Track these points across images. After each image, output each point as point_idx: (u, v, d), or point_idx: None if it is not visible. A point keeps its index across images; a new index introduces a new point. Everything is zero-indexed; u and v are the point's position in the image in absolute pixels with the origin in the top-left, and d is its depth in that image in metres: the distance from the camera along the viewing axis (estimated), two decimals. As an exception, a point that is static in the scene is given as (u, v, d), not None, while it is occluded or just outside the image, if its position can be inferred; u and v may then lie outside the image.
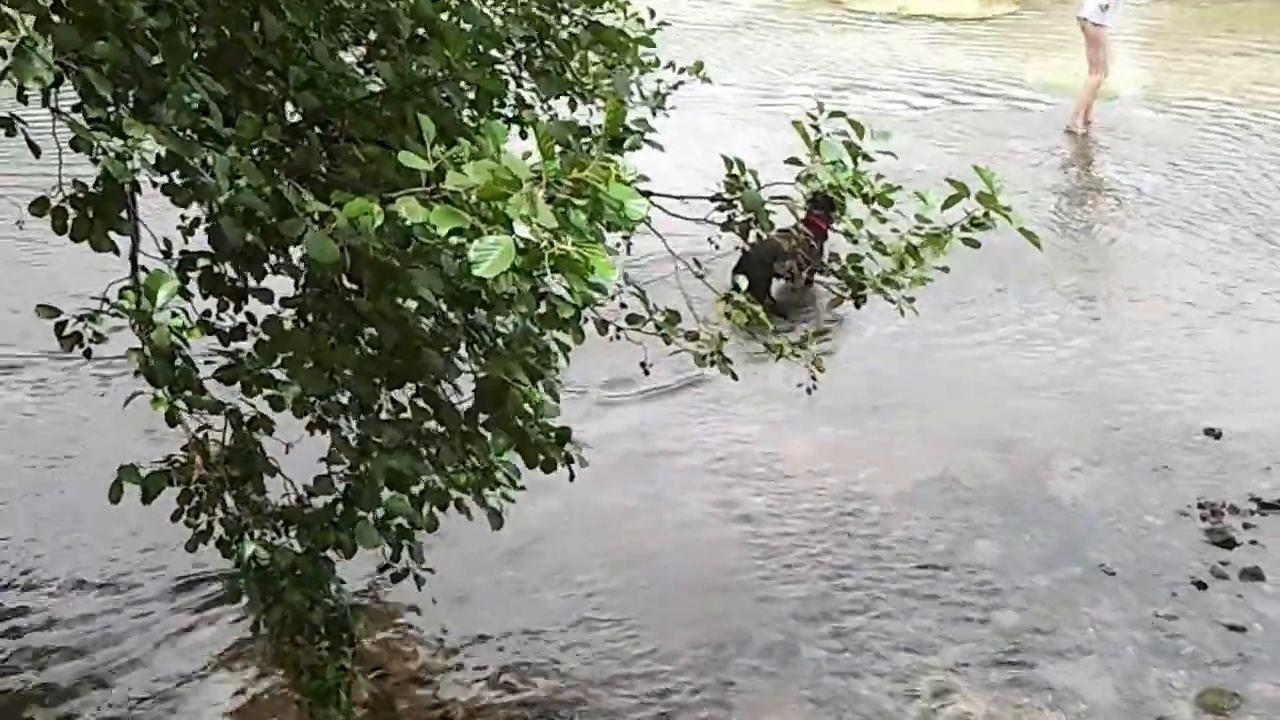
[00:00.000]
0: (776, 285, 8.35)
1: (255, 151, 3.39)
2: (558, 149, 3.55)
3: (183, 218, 3.94)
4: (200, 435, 3.68)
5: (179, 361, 3.21)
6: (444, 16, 3.96)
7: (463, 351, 3.94)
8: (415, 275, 2.83)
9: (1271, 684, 5.30)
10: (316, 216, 2.45)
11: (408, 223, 2.35)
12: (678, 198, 4.10)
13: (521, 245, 2.24)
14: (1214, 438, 7.05)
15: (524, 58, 4.41)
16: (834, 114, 3.90)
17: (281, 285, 3.87)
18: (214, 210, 3.05)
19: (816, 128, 3.90)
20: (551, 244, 2.23)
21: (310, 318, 3.57)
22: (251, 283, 3.74)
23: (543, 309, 3.69)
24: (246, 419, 3.70)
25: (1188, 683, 5.31)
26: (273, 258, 3.65)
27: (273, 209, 2.75)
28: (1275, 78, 13.60)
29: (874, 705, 5.20)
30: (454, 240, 2.28)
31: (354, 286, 3.36)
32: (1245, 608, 5.76)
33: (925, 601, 5.79)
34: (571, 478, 4.25)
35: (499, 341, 3.97)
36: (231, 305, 3.92)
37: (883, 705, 5.20)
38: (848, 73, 14.03)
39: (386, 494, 3.84)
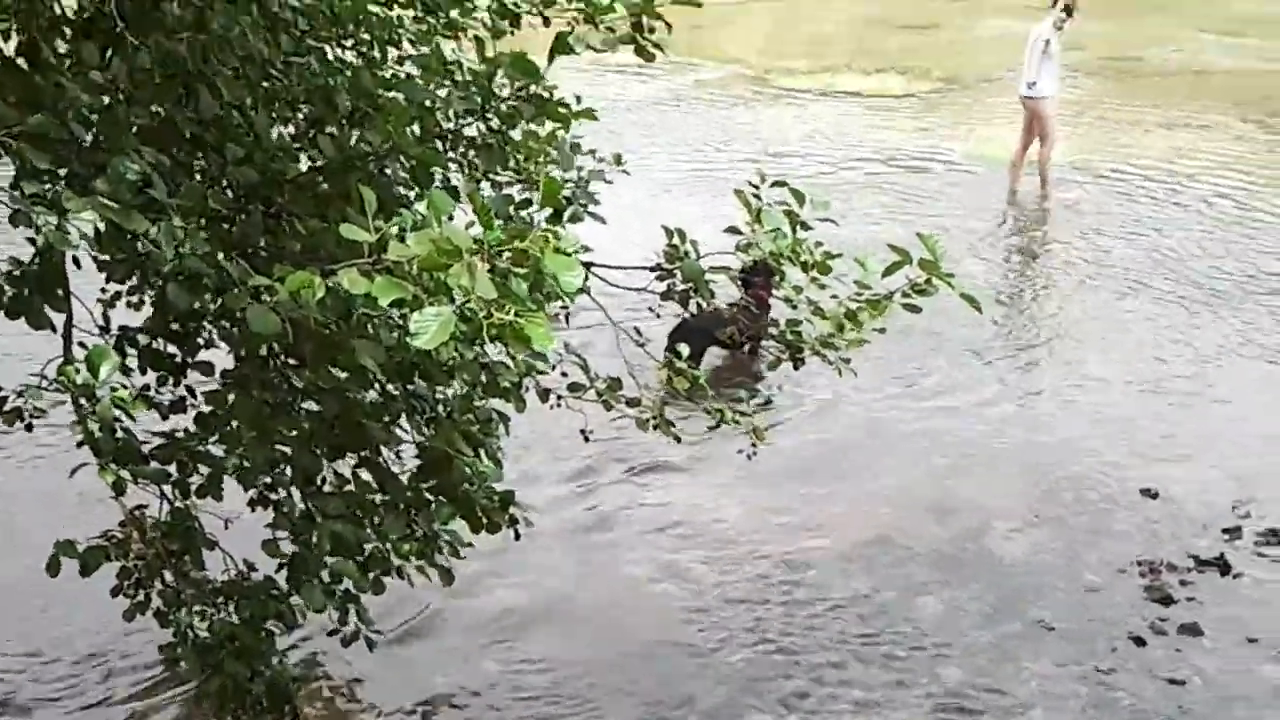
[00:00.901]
0: (720, 353, 8.47)
1: (199, 223, 3.42)
2: (499, 221, 3.62)
3: (103, 290, 3.96)
4: (137, 511, 3.68)
5: (120, 434, 3.20)
6: (384, 91, 4.03)
7: (405, 421, 3.97)
8: (357, 346, 2.85)
9: (1211, 737, 5.38)
10: (258, 289, 2.48)
11: (350, 294, 2.39)
12: (618, 268, 4.16)
13: (462, 316, 2.28)
14: (1151, 497, 7.18)
15: (464, 131, 4.47)
16: (776, 183, 3.99)
17: (222, 358, 3.89)
18: (158, 279, 3.06)
19: (758, 196, 3.98)
20: (491, 314, 2.27)
21: (252, 390, 3.58)
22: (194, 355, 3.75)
23: (485, 378, 3.73)
24: (185, 491, 3.70)
25: (1129, 737, 5.37)
26: (211, 331, 3.66)
27: (217, 280, 2.77)
28: (1199, 148, 14.03)
29: (821, 767, 5.21)
30: (396, 311, 2.32)
31: (294, 360, 3.38)
32: (1184, 662, 5.84)
33: (869, 661, 5.82)
34: (517, 537, 4.29)
35: (441, 410, 4.00)
36: (171, 380, 3.92)
37: (829, 767, 5.21)
38: (780, 145, 14.29)
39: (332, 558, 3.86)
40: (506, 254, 2.38)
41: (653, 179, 12.56)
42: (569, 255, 2.34)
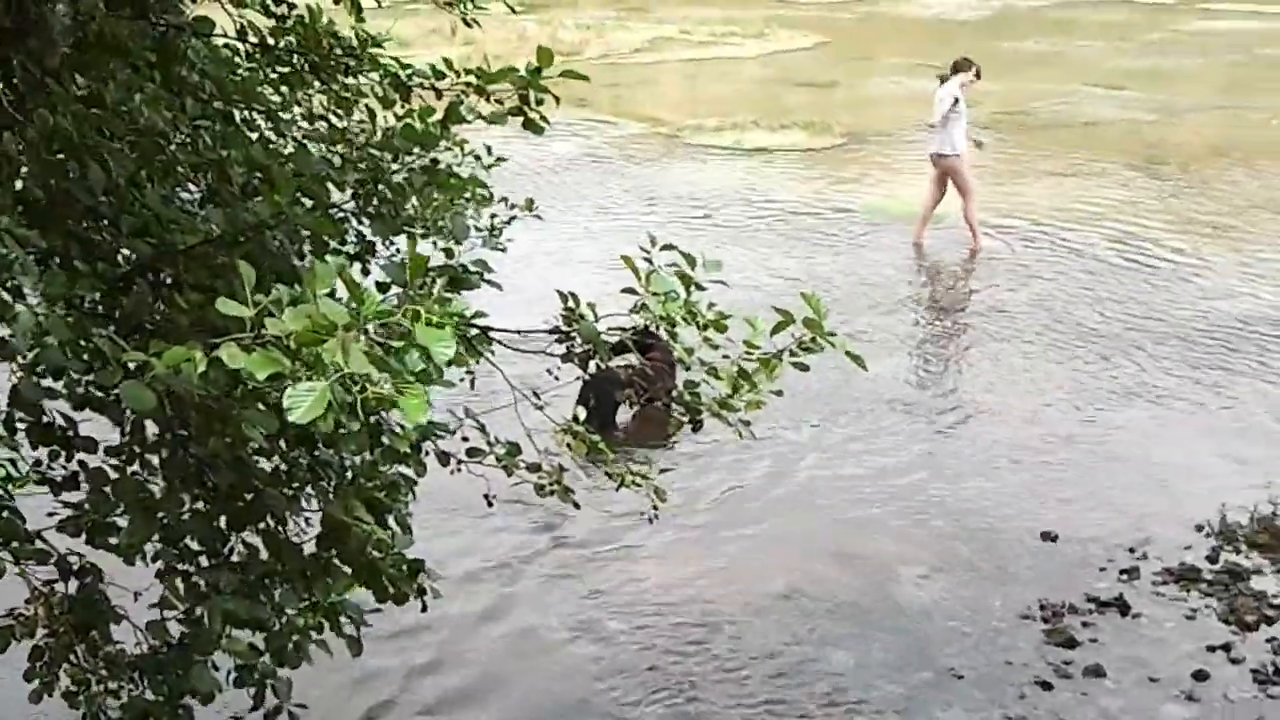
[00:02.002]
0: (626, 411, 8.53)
1: (86, 302, 3.39)
2: (396, 289, 3.64)
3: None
4: (45, 587, 3.60)
5: (4, 513, 3.15)
6: (278, 163, 4.04)
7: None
8: (245, 418, 2.84)
9: (1116, 778, 5.48)
10: (134, 365, 2.48)
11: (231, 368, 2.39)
12: (515, 332, 4.19)
13: (344, 387, 2.31)
14: (1050, 541, 7.33)
15: (361, 200, 4.50)
16: (665, 247, 4.05)
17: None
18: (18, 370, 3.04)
19: (649, 260, 4.04)
20: (364, 388, 2.29)
21: (140, 464, 3.54)
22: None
23: (381, 444, 3.72)
24: (78, 567, 3.63)
25: (1037, 782, 5.45)
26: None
27: (91, 360, 2.75)
28: (1089, 196, 14.46)
29: (736, 826, 5.21)
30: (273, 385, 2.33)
31: (185, 432, 3.35)
32: (1090, 704, 5.95)
33: (780, 714, 5.85)
34: (424, 609, 4.26)
35: (348, 476, 3.97)
36: (63, 454, 3.86)
37: (745, 826, 5.22)
38: (692, 201, 14.50)
39: (232, 635, 3.80)
40: (380, 328, 2.41)
41: (567, 238, 12.67)
42: (441, 328, 2.37)
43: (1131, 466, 8.29)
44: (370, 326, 2.28)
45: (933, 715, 5.87)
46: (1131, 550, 7.23)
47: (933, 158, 12.83)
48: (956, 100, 12.43)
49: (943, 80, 12.59)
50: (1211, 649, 6.34)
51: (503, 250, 4.77)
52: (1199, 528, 7.43)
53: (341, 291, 2.56)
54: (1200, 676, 6.13)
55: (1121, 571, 7.02)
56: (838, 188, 15.14)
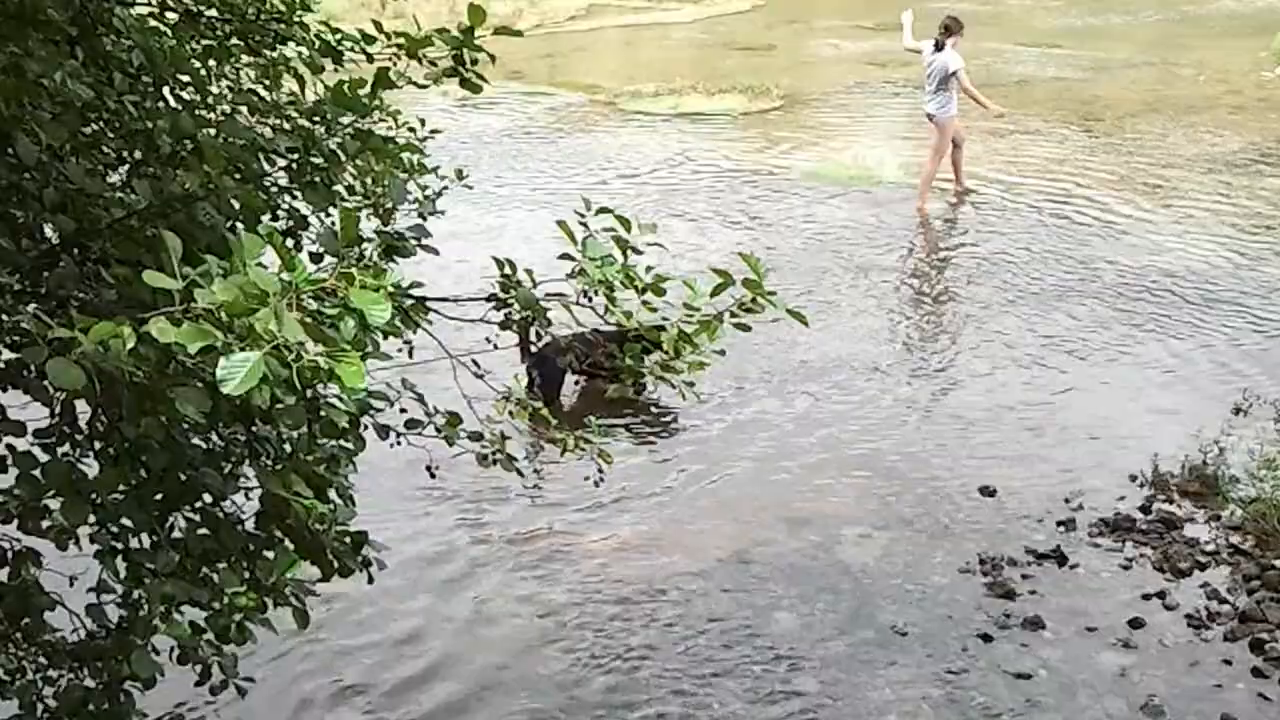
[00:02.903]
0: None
1: (9, 279, 3.31)
2: (330, 258, 3.58)
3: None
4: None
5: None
6: (208, 132, 3.95)
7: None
8: (177, 395, 2.79)
9: (1058, 726, 5.58)
10: (61, 342, 2.42)
11: (162, 342, 2.35)
12: (452, 300, 4.16)
13: (278, 359, 2.27)
14: (989, 496, 7.43)
15: (294, 169, 4.42)
16: (600, 211, 4.03)
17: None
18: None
19: (585, 225, 4.01)
20: (300, 357, 2.25)
21: (71, 445, 3.47)
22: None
23: (319, 418, 3.67)
24: (12, 553, 3.56)
25: (981, 733, 5.54)
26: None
27: (16, 338, 2.68)
28: (1022, 155, 14.56)
29: (685, 786, 5.26)
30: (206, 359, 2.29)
31: (116, 411, 3.29)
32: (1030, 655, 6.05)
33: (729, 676, 5.89)
34: (370, 581, 4.22)
35: (286, 451, 3.93)
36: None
37: (694, 785, 5.26)
38: (630, 168, 14.44)
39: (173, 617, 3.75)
40: (313, 296, 2.37)
41: (503, 208, 12.59)
42: (376, 292, 2.33)
43: (1067, 420, 8.41)
44: (304, 295, 2.25)
45: (876, 672, 5.94)
46: (1068, 502, 7.35)
47: (929, 118, 12.96)
48: (957, 71, 12.51)
49: (938, 45, 12.59)
50: (1147, 597, 6.47)
51: (439, 215, 4.70)
52: (1133, 478, 7.56)
53: (274, 264, 2.53)
54: (1136, 624, 6.25)
55: (1058, 523, 7.14)
56: (776, 151, 15.14)
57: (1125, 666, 5.97)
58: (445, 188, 4.78)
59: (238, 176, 3.91)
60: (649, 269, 4.01)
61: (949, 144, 12.89)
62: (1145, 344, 9.63)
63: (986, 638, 6.17)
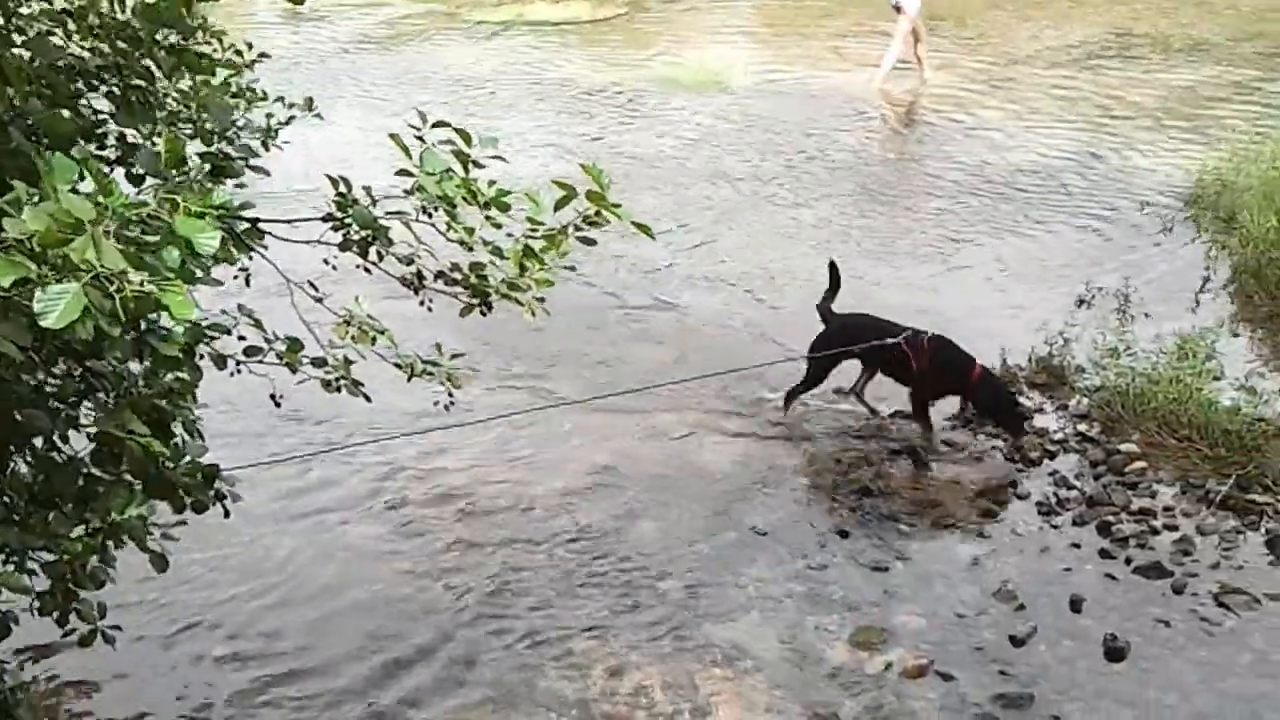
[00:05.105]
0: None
1: None
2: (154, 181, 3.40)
3: None
4: None
5: None
6: (15, 53, 3.71)
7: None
8: (-8, 330, 2.63)
9: (913, 615, 5.74)
10: None
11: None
12: (287, 222, 4.01)
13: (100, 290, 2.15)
14: (845, 395, 7.54)
15: (113, 94, 4.19)
16: (437, 124, 3.90)
17: None
18: None
19: (421, 139, 3.89)
20: (123, 287, 2.13)
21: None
22: None
23: (151, 350, 3.51)
24: None
25: (841, 625, 5.68)
26: None
27: None
28: (868, 56, 14.63)
29: (555, 694, 5.28)
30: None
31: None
32: (884, 548, 6.21)
33: (595, 587, 5.93)
34: (226, 515, 4.10)
35: (124, 387, 3.76)
36: None
37: (563, 693, 5.29)
38: (472, 79, 14.15)
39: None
40: (134, 221, 2.24)
41: (340, 124, 12.21)
42: (202, 218, 2.22)
43: (917, 318, 8.54)
44: (124, 222, 2.12)
45: (739, 571, 6.04)
46: (921, 399, 7.52)
47: (896, 9, 13.27)
48: None
49: None
50: (999, 487, 6.68)
51: (281, 147, 4.50)
52: (982, 373, 7.75)
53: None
54: (989, 514, 6.47)
55: (912, 420, 7.31)
56: (623, 59, 14.98)
57: (978, 555, 6.17)
58: (293, 117, 4.58)
59: (48, 98, 3.69)
60: (491, 184, 3.92)
61: (915, 31, 13.21)
62: (991, 241, 9.86)
63: (844, 534, 6.31)
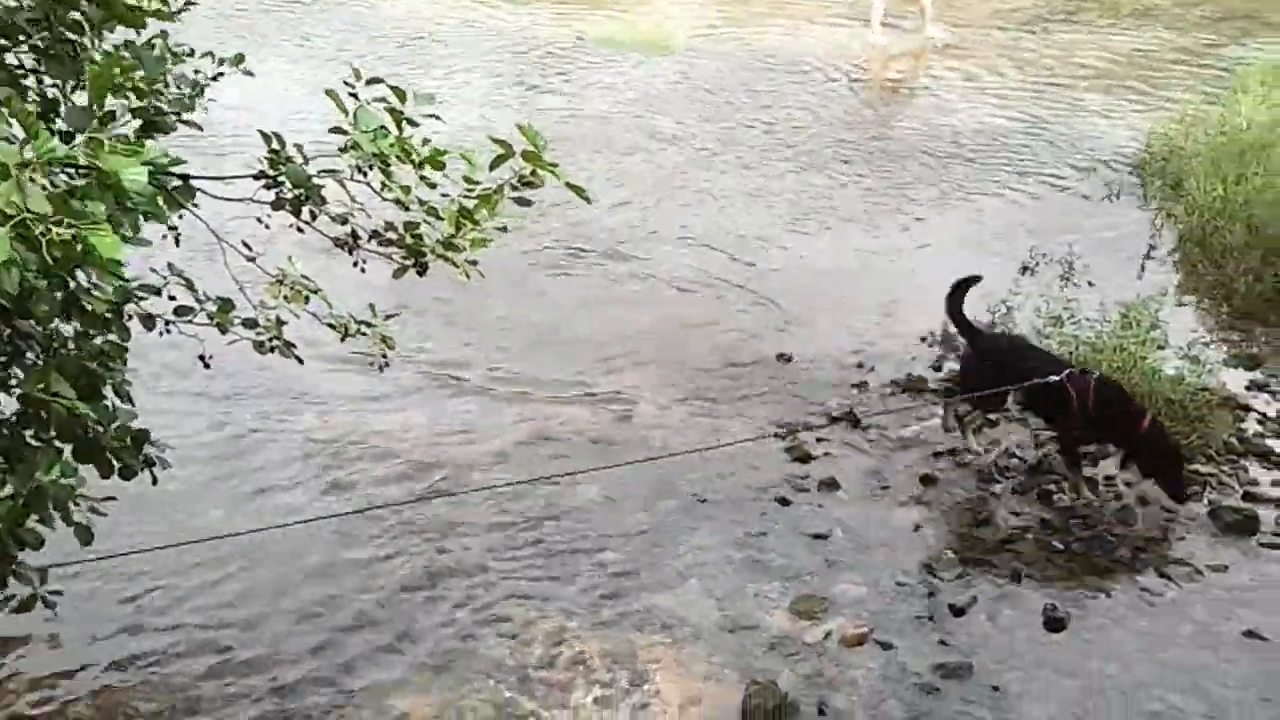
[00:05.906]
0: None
1: None
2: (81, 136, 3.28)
3: None
4: None
5: None
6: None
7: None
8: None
9: (853, 583, 5.75)
10: None
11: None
12: (219, 179, 3.90)
13: (22, 238, 2.06)
14: (785, 362, 7.54)
15: (37, 45, 4.05)
16: (371, 81, 3.80)
17: None
18: None
19: (355, 96, 3.79)
20: (49, 231, 2.05)
21: None
22: None
23: (79, 308, 3.41)
24: None
25: (781, 593, 5.67)
26: None
27: None
28: (816, 17, 14.53)
29: (493, 661, 5.25)
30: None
31: None
32: (825, 516, 6.21)
33: (534, 554, 5.88)
34: (155, 481, 4.01)
35: (53, 348, 3.65)
36: None
37: (503, 660, 5.26)
38: (407, 37, 13.89)
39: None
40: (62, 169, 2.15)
41: (271, 79, 11.94)
42: (127, 156, 2.13)
43: (860, 284, 8.58)
44: (51, 168, 2.03)
45: (679, 539, 6.01)
46: (861, 365, 7.53)
47: None
48: None
49: None
50: (939, 454, 6.70)
51: (205, 106, 4.36)
52: (923, 339, 7.78)
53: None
54: (928, 480, 6.47)
55: (852, 386, 7.32)
56: (564, 15, 14.76)
57: (918, 522, 6.19)
58: (221, 73, 4.45)
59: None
60: (425, 142, 3.83)
61: None
62: (936, 206, 9.87)
63: (784, 501, 6.30)
